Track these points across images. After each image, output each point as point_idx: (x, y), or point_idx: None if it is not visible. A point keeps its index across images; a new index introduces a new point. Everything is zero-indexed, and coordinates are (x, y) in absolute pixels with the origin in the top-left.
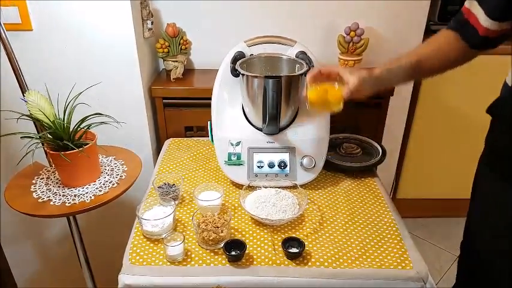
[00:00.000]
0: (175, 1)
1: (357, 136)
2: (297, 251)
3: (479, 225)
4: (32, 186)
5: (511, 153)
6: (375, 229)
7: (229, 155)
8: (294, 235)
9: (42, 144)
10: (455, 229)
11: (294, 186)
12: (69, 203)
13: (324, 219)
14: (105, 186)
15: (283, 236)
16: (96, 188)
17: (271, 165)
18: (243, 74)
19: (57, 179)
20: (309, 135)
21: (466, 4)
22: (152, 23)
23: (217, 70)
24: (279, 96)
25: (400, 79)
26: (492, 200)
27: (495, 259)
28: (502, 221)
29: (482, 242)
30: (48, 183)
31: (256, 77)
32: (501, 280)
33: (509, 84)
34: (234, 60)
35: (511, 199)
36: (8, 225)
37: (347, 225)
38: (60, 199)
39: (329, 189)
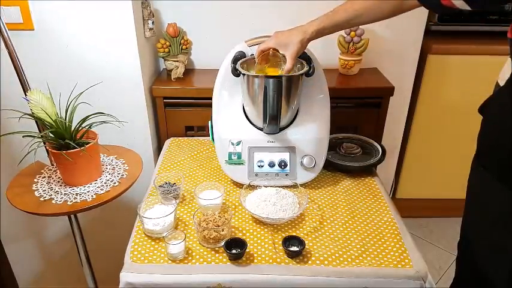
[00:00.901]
0: (176, 1)
1: (357, 136)
2: (298, 249)
3: (473, 223)
4: (34, 185)
5: (499, 151)
6: (374, 228)
7: (230, 154)
8: (294, 234)
9: (44, 143)
10: (454, 229)
11: (294, 186)
12: (70, 201)
13: (324, 218)
14: (107, 185)
15: (283, 234)
16: (98, 187)
17: (271, 165)
18: (243, 74)
19: (59, 177)
20: (309, 134)
21: None
22: (153, 22)
23: (218, 70)
24: (279, 96)
25: (333, 32)
26: (482, 198)
27: (489, 254)
28: (491, 216)
29: (476, 238)
30: (49, 182)
31: (256, 76)
32: (496, 275)
33: (500, 84)
34: (235, 60)
35: (499, 196)
36: (10, 224)
37: (347, 224)
38: (61, 198)
39: (329, 188)
